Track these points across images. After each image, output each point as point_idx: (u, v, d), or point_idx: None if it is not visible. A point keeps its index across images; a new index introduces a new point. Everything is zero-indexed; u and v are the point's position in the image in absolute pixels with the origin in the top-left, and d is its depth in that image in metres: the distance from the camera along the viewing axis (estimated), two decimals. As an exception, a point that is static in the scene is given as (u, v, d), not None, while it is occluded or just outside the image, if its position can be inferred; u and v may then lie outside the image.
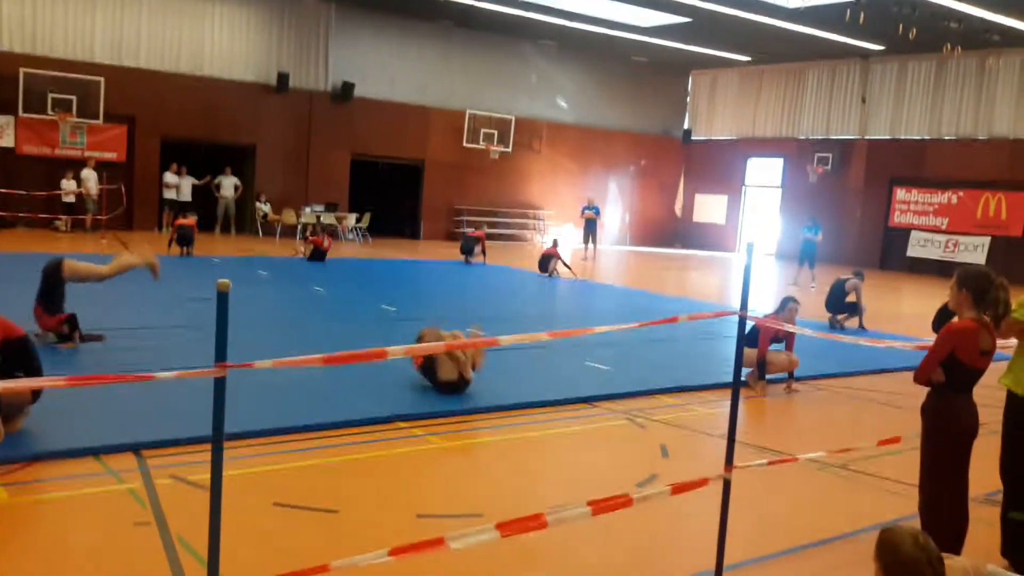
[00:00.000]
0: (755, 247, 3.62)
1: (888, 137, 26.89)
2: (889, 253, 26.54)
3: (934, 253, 25.15)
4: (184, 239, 16.78)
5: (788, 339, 8.80)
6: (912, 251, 25.79)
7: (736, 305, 3.53)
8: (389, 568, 4.02)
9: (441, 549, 2.86)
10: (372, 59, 25.43)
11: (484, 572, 4.20)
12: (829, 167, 27.56)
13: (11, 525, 4.49)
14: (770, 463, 4.90)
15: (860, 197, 27.27)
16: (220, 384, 2.61)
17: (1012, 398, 4.43)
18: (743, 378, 8.73)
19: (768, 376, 8.69)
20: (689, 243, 31.68)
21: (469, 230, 22.03)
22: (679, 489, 3.55)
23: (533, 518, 3.08)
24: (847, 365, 9.93)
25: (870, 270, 24.51)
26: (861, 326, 13.08)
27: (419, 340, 7.47)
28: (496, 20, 24.54)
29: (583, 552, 4.49)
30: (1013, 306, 4.20)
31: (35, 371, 5.60)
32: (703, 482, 3.67)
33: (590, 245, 24.13)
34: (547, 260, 17.89)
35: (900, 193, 26.29)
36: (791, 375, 8.82)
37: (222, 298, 2.52)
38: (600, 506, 3.20)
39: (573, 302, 15.21)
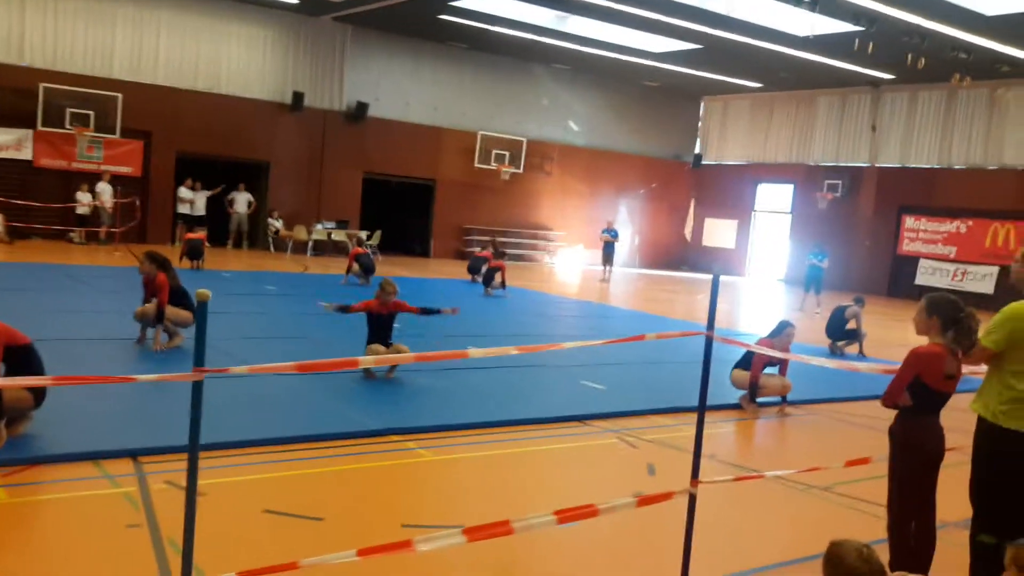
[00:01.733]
0: (719, 278, 3.75)
1: (898, 165, 26.99)
2: (898, 281, 26.58)
3: (943, 282, 25.11)
4: (194, 252, 17.02)
5: (782, 363, 8.91)
6: (921, 279, 25.79)
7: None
8: (360, 571, 4.18)
9: (408, 551, 3.01)
10: (386, 80, 25.78)
11: (461, 580, 4.34)
12: (839, 194, 27.67)
13: (9, 525, 4.66)
14: (737, 479, 5.01)
15: (869, 224, 27.36)
16: (198, 387, 2.77)
17: (981, 423, 4.54)
18: (737, 400, 8.85)
19: (760, 399, 8.80)
20: (698, 267, 31.78)
21: (477, 250, 22.21)
22: (645, 501, 3.68)
23: (500, 524, 3.22)
24: (841, 391, 10.02)
25: (878, 297, 24.64)
26: (861, 352, 13.16)
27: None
28: (509, 43, 24.85)
29: (556, 565, 4.62)
30: (980, 333, 4.32)
31: (40, 385, 5.76)
32: (668, 495, 3.80)
33: (607, 267, 24.29)
34: (491, 273, 17.72)
35: (909, 221, 26.36)
36: (784, 399, 8.92)
37: (201, 307, 2.68)
38: (565, 515, 3.34)
39: (577, 324, 15.32)
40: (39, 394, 5.77)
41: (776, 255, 30.35)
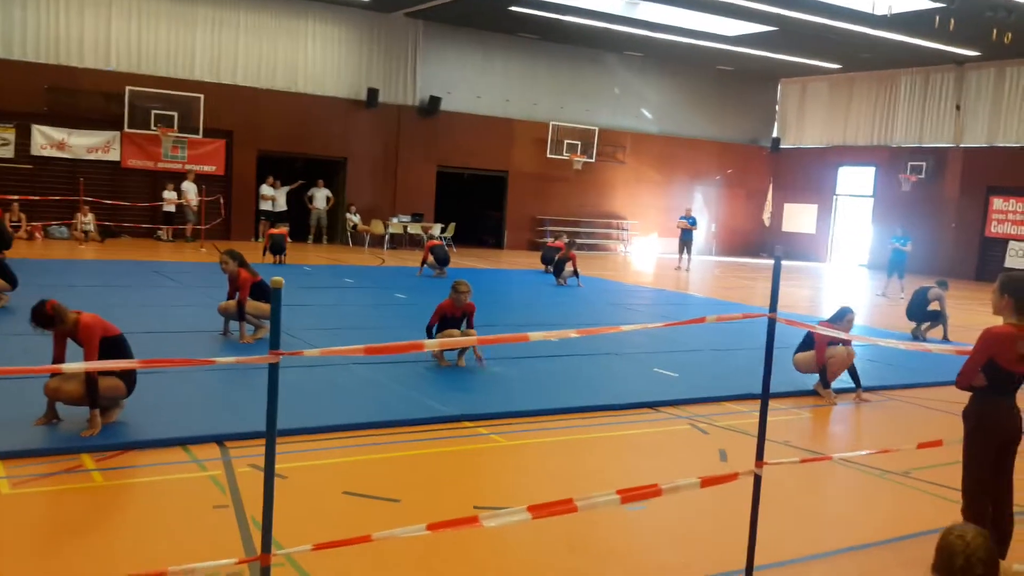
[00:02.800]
0: (781, 260, 3.76)
1: (985, 145, 26.10)
2: (986, 264, 25.71)
3: (1034, 264, 24.28)
4: (276, 248, 17.52)
5: (843, 344, 8.76)
6: (1010, 262, 24.91)
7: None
8: (431, 547, 4.33)
9: (475, 527, 3.12)
10: (458, 74, 26.02)
11: (523, 556, 4.45)
12: (923, 175, 26.90)
13: (105, 506, 4.94)
14: (803, 460, 5.00)
15: (955, 206, 26.54)
16: (274, 370, 2.93)
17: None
18: (812, 387, 8.75)
19: (836, 385, 8.68)
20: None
21: (550, 240, 22.28)
22: (708, 482, 3.73)
23: (563, 502, 3.31)
24: (920, 376, 9.81)
25: (967, 282, 23.91)
26: (945, 337, 12.83)
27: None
28: (580, 32, 24.81)
29: (621, 544, 4.71)
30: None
31: (130, 368, 6.06)
32: (732, 476, 3.84)
33: (685, 255, 23.93)
34: (562, 263, 17.75)
35: (997, 202, 25.50)
36: (857, 382, 8.72)
37: (276, 294, 2.84)
38: (629, 494, 3.41)
39: (652, 312, 15.26)
40: (130, 383, 6.08)
41: (858, 240, 29.68)
